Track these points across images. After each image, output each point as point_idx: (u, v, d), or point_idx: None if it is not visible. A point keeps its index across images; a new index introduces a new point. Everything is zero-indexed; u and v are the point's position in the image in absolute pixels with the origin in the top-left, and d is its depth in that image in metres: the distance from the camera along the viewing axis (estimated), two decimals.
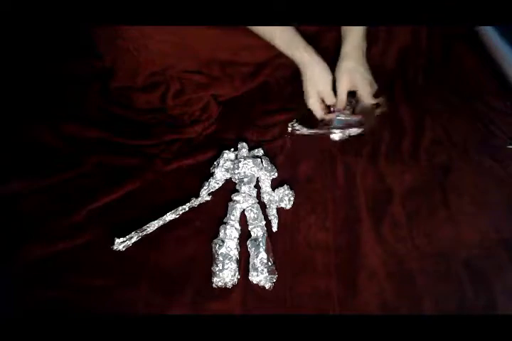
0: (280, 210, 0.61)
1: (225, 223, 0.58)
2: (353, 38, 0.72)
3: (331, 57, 0.73)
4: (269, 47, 0.76)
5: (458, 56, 0.82)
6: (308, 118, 0.71)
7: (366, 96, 0.71)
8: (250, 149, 0.68)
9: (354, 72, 0.70)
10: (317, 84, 0.70)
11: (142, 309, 0.50)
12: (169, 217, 0.58)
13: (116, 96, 0.74)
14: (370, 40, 0.81)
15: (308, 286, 0.53)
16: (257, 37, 0.73)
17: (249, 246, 0.56)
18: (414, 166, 0.65)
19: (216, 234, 0.57)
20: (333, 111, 0.72)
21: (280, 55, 0.78)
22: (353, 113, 0.72)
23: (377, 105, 0.72)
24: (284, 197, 0.61)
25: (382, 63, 0.82)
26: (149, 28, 0.69)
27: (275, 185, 0.64)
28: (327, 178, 0.64)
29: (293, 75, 0.78)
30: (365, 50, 0.73)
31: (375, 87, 0.72)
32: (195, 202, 0.60)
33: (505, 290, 0.51)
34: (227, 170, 0.65)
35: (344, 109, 0.72)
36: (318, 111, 0.71)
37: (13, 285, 0.52)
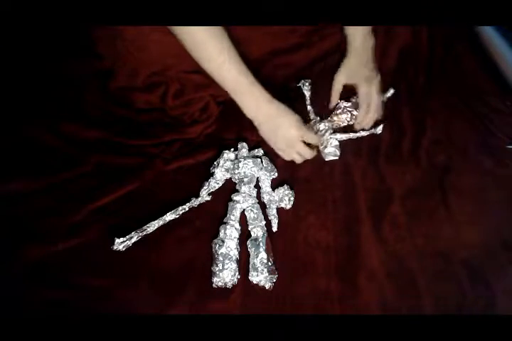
0: (280, 210, 0.61)
1: (225, 223, 0.58)
2: (356, 37, 0.71)
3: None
4: (269, 46, 0.76)
5: (458, 56, 0.82)
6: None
7: (363, 92, 0.68)
8: (250, 149, 0.68)
9: (353, 69, 0.70)
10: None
11: (142, 309, 0.50)
12: (169, 217, 0.58)
13: (116, 96, 0.74)
14: None
15: (308, 286, 0.53)
16: (256, 36, 0.73)
17: (249, 246, 0.56)
18: (414, 166, 0.65)
19: (216, 234, 0.57)
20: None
21: (280, 53, 0.78)
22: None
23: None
24: (284, 197, 0.61)
25: (383, 63, 0.81)
26: (149, 28, 0.69)
27: (275, 185, 0.64)
28: (327, 178, 0.64)
29: (294, 74, 0.78)
30: (369, 47, 0.72)
31: (375, 83, 0.69)
32: (195, 202, 0.60)
33: (505, 290, 0.51)
34: (227, 170, 0.65)
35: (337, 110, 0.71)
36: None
37: (13, 285, 0.52)
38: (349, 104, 0.72)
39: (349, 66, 0.71)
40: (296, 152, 0.65)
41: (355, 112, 0.71)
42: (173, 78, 0.74)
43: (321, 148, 0.68)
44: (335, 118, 0.71)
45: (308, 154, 0.65)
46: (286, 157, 0.67)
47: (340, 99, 0.73)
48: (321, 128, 0.70)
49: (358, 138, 0.70)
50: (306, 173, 0.65)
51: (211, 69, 0.62)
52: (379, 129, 0.70)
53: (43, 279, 0.52)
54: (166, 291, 0.52)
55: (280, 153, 0.67)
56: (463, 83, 0.78)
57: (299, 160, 0.66)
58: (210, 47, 0.60)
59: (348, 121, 0.71)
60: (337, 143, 0.68)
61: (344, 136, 0.69)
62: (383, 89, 0.75)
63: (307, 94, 0.75)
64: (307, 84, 0.75)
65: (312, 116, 0.72)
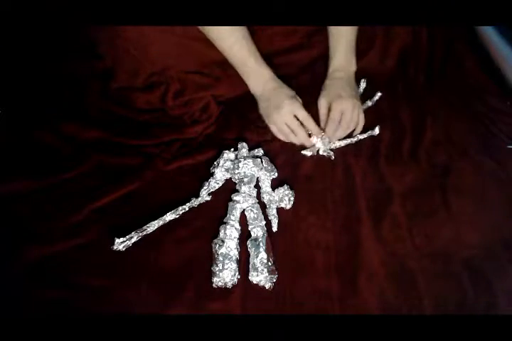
0: (280, 210, 0.61)
1: (225, 223, 0.58)
2: (337, 59, 0.74)
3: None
4: (270, 46, 0.76)
5: (458, 56, 0.82)
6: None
7: (335, 109, 0.68)
8: (250, 149, 0.68)
9: (331, 89, 0.71)
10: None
11: (142, 309, 0.50)
12: (169, 217, 0.58)
13: (116, 96, 0.74)
14: (371, 40, 0.81)
15: (308, 286, 0.53)
16: (257, 36, 0.73)
17: (249, 246, 0.56)
18: (414, 166, 0.65)
19: (216, 234, 0.57)
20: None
21: (281, 53, 0.78)
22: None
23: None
24: (284, 197, 0.61)
25: (383, 63, 0.82)
26: (149, 28, 0.69)
27: (275, 185, 0.64)
28: (327, 178, 0.64)
29: (295, 74, 0.78)
30: (351, 70, 0.75)
31: (350, 101, 0.68)
32: (195, 202, 0.60)
33: (505, 290, 0.51)
34: (227, 170, 0.65)
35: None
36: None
37: (13, 285, 0.52)
38: None
39: (327, 87, 0.72)
40: (286, 124, 0.68)
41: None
42: (173, 78, 0.74)
43: (322, 150, 0.68)
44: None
45: (298, 129, 0.67)
46: (278, 132, 0.69)
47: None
48: (320, 137, 0.69)
49: (356, 142, 0.69)
50: (306, 173, 0.65)
51: (223, 47, 0.70)
52: (376, 131, 0.69)
53: (43, 279, 0.52)
54: (165, 291, 0.52)
55: (271, 126, 0.69)
56: (463, 83, 0.78)
57: (288, 135, 0.68)
58: (222, 28, 0.67)
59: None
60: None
61: (343, 143, 0.69)
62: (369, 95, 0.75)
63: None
64: None
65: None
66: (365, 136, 0.70)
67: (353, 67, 0.76)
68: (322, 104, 0.71)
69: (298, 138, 0.68)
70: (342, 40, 0.74)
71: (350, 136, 0.70)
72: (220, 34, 0.68)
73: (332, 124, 0.68)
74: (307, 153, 0.68)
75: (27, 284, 0.52)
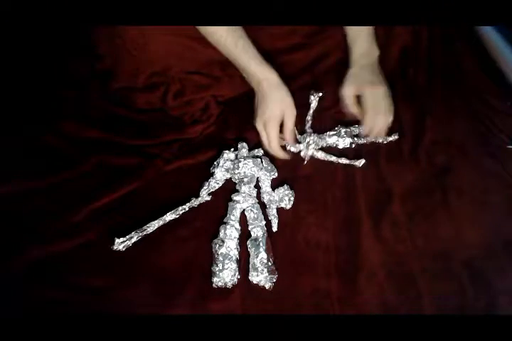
0: (280, 210, 0.61)
1: (225, 223, 0.58)
2: (360, 44, 0.72)
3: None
4: (270, 46, 0.76)
5: (458, 56, 0.82)
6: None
7: (369, 95, 0.67)
8: (250, 149, 0.68)
9: (357, 77, 0.69)
10: (275, 108, 0.64)
11: (142, 309, 0.50)
12: (169, 217, 0.58)
13: (116, 96, 0.74)
14: None
15: (308, 286, 0.53)
16: (257, 36, 0.73)
17: (249, 246, 0.56)
18: (414, 166, 0.65)
19: (216, 234, 0.57)
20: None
21: (281, 53, 0.78)
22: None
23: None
24: (284, 197, 0.61)
25: (383, 63, 0.81)
26: (149, 28, 0.69)
27: (275, 185, 0.64)
28: (327, 178, 0.64)
29: (294, 74, 0.78)
30: (375, 55, 0.73)
31: (382, 87, 0.68)
32: (195, 202, 0.60)
33: (506, 290, 0.51)
34: (227, 170, 0.65)
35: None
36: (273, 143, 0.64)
37: (13, 285, 0.52)
38: (346, 129, 0.69)
39: (353, 75, 0.70)
40: (268, 131, 0.65)
41: (347, 140, 0.68)
42: (173, 78, 0.74)
43: (303, 150, 0.67)
44: (327, 138, 0.69)
45: (267, 140, 0.65)
46: (261, 132, 0.66)
47: (342, 124, 0.70)
48: (307, 141, 0.67)
49: (335, 163, 0.66)
50: (306, 173, 0.65)
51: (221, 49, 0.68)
52: (359, 162, 0.65)
53: (43, 279, 0.52)
54: (166, 291, 0.52)
55: (258, 128, 0.66)
56: (463, 83, 0.78)
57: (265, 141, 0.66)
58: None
59: (336, 145, 0.69)
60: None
61: (324, 157, 0.66)
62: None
63: (313, 105, 0.73)
64: (316, 95, 0.74)
65: (307, 126, 0.71)
66: (347, 162, 0.66)
67: (377, 52, 0.73)
68: (348, 94, 0.68)
69: (270, 146, 0.66)
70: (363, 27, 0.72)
71: (335, 155, 0.67)
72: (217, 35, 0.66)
73: (372, 112, 0.66)
74: (290, 148, 0.68)
75: (27, 284, 0.52)
